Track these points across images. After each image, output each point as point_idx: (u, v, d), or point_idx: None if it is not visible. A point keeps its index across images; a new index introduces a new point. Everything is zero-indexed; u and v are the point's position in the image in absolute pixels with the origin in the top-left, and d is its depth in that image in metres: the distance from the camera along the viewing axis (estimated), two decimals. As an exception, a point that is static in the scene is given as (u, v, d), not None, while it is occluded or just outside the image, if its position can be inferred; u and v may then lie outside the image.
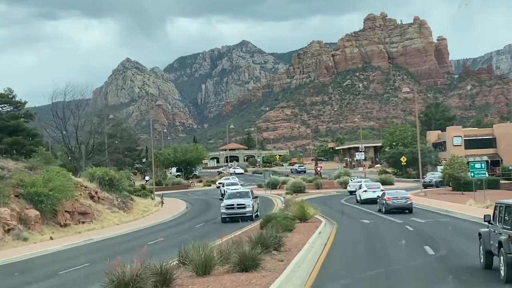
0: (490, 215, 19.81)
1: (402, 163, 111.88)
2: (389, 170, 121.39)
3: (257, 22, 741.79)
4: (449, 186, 79.53)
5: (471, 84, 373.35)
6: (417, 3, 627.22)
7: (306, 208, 42.62)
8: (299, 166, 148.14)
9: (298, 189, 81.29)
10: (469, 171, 72.35)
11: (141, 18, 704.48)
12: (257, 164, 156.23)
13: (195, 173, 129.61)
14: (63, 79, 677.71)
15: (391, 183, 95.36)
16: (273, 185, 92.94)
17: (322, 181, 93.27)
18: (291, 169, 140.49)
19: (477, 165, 59.87)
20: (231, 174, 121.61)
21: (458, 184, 71.81)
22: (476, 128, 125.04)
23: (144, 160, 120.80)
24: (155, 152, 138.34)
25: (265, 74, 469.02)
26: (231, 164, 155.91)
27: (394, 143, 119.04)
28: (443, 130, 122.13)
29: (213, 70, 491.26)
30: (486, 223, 19.88)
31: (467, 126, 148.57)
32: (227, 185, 67.57)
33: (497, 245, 18.00)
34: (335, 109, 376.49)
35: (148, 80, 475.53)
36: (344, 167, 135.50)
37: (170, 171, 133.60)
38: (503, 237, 17.43)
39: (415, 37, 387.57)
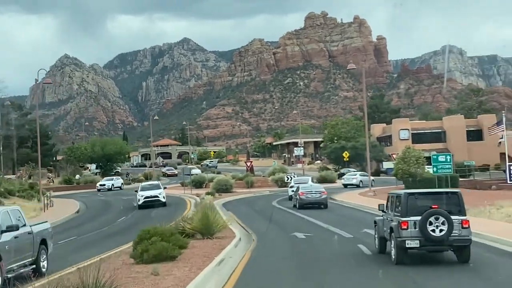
0: (384, 204, 20.92)
1: (345, 159, 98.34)
2: (330, 166, 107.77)
3: (199, 20, 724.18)
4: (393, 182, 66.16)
5: (409, 84, 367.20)
6: (357, 3, 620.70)
7: (214, 216, 27.83)
8: (210, 161, 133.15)
9: (223, 188, 66.39)
10: (427, 166, 59.20)
11: (81, 14, 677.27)
12: (190, 161, 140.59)
13: (117, 170, 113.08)
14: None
15: (332, 181, 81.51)
16: (198, 183, 77.89)
17: (254, 178, 78.59)
18: (201, 164, 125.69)
19: (441, 158, 46.27)
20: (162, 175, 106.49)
21: (413, 181, 58.23)
22: (424, 121, 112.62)
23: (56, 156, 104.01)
24: (69, 147, 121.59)
25: (207, 72, 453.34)
26: (163, 162, 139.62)
27: (336, 138, 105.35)
28: (389, 123, 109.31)
29: (154, 68, 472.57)
30: (381, 211, 21.09)
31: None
32: (143, 189, 53.37)
33: (389, 230, 19.12)
34: (276, 107, 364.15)
35: (87, 77, 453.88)
36: (282, 163, 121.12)
37: (89, 168, 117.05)
38: (394, 223, 18.67)
39: (355, 36, 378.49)
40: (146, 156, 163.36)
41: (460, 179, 67.08)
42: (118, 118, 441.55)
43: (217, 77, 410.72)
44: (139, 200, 51.10)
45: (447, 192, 19.66)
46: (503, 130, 70.01)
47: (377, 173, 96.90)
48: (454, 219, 17.85)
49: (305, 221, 36.32)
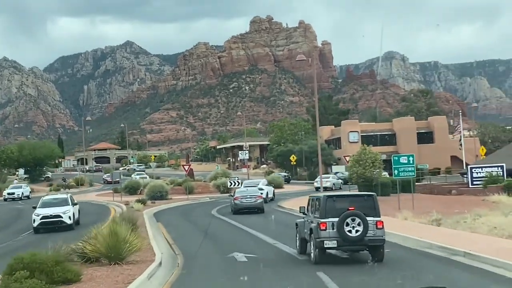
0: (304, 207, 21.30)
1: (292, 163, 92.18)
2: (277, 171, 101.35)
3: (143, 23, 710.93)
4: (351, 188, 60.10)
5: (354, 89, 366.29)
6: (302, 9, 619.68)
7: (126, 233, 20.76)
8: (137, 165, 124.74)
9: (158, 195, 58.98)
10: (384, 169, 53.34)
11: (21, 17, 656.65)
12: (128, 166, 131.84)
13: (47, 175, 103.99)
14: None
15: (280, 186, 74.93)
16: (132, 189, 70.26)
17: (194, 184, 71.33)
18: (127, 169, 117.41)
19: (403, 160, 40.17)
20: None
21: (369, 186, 52.19)
22: (374, 123, 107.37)
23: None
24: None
25: (150, 75, 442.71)
26: (98, 167, 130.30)
27: (283, 140, 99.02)
28: (337, 125, 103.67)
29: (96, 71, 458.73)
30: (302, 214, 21.50)
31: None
32: (44, 205, 37.54)
33: (309, 232, 19.56)
34: (221, 112, 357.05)
35: (27, 80, 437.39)
36: (226, 168, 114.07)
37: (17, 173, 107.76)
38: (313, 225, 19.15)
39: (300, 41, 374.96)
40: (82, 161, 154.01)
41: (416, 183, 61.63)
42: (59, 123, 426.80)
43: (161, 81, 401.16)
44: (34, 220, 35.74)
45: (363, 195, 20.44)
46: (460, 132, 65.14)
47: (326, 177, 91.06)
48: (369, 220, 18.52)
49: (247, 235, 29.52)
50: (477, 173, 52.20)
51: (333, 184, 65.79)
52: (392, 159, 40.42)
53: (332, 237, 18.48)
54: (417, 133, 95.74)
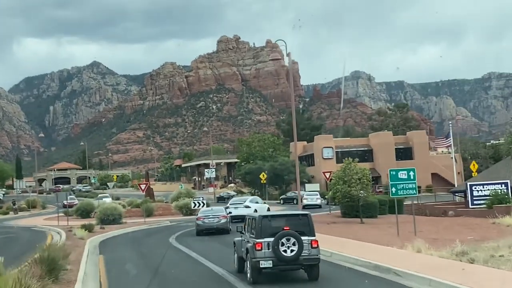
0: (242, 226, 20.75)
1: (262, 181, 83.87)
2: (246, 190, 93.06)
3: (110, 44, 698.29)
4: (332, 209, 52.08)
5: (321, 108, 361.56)
6: (269, 29, 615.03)
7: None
8: (84, 186, 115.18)
9: (109, 219, 50.08)
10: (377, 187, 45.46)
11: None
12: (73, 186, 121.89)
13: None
14: None
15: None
16: (85, 212, 61.18)
17: (154, 205, 62.51)
18: (72, 189, 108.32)
19: (402, 175, 32.19)
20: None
21: (354, 206, 44.31)
22: (349, 138, 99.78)
23: None
24: None
25: (117, 96, 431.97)
26: (58, 187, 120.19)
27: (252, 157, 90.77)
28: (309, 141, 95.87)
29: (62, 91, 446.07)
30: (239, 233, 20.90)
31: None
32: None
33: (245, 251, 19.23)
34: (188, 131, 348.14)
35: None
36: (192, 188, 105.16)
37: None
38: (249, 244, 18.73)
39: (267, 60, 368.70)
40: (42, 182, 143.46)
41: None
42: (24, 144, 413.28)
43: (128, 101, 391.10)
44: None
45: (298, 214, 19.65)
46: (450, 145, 57.80)
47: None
48: (304, 240, 18.21)
49: (212, 275, 21.13)
50: (477, 191, 44.54)
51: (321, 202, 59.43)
52: (389, 173, 32.44)
53: (268, 257, 18.16)
54: (395, 148, 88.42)
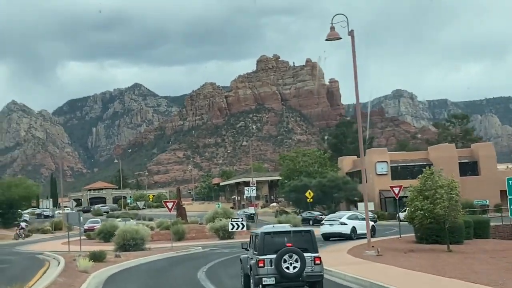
0: (247, 243, 20.31)
1: (308, 200, 73.63)
2: (289, 210, 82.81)
3: (150, 66, 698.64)
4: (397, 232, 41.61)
5: (363, 127, 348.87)
6: (308, 49, 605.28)
7: None
8: (43, 210, 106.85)
9: (130, 244, 40.52)
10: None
11: (31, 61, 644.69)
12: (123, 206, 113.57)
13: (25, 218, 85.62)
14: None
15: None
16: (108, 236, 51.87)
17: (186, 227, 52.83)
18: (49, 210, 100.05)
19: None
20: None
21: (434, 229, 33.84)
22: (405, 152, 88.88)
23: None
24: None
25: (158, 117, 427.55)
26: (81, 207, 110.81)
27: (296, 174, 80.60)
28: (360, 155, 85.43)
29: (104, 113, 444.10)
30: (244, 249, 20.47)
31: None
32: None
33: (249, 268, 18.84)
34: (228, 151, 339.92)
35: (35, 123, 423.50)
36: (231, 207, 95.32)
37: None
38: (252, 261, 18.47)
39: (308, 79, 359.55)
40: (78, 202, 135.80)
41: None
42: (67, 165, 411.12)
43: (168, 122, 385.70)
44: None
45: (300, 231, 19.01)
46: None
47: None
48: (306, 256, 17.79)
49: None
50: None
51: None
52: (506, 183, 22.21)
53: (271, 274, 17.60)
54: (459, 163, 77.19)
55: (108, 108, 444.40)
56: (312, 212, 69.67)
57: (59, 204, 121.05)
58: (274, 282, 17.59)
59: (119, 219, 68.43)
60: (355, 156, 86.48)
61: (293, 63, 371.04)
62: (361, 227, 40.51)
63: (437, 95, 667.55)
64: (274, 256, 17.48)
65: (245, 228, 48.18)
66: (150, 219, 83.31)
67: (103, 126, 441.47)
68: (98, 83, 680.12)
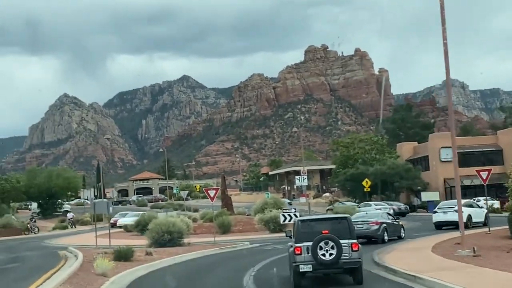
0: (291, 230, 19.84)
1: (365, 189, 66.44)
2: (344, 199, 75.65)
3: (199, 58, 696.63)
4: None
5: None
6: (357, 39, 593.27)
7: None
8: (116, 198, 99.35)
9: (164, 239, 34.34)
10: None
11: (81, 55, 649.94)
12: (163, 198, 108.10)
13: (65, 209, 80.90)
14: (0, 117, 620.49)
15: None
16: (146, 228, 45.96)
17: (232, 218, 46.49)
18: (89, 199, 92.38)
19: None
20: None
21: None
22: (471, 137, 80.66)
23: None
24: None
25: (206, 108, 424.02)
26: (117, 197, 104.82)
27: (351, 161, 73.38)
28: (420, 141, 77.52)
29: (153, 105, 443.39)
30: (289, 237, 20.12)
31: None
32: None
33: (289, 256, 19.03)
34: (276, 142, 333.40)
35: (87, 115, 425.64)
36: (281, 198, 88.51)
37: (29, 206, 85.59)
38: (290, 249, 18.51)
39: (357, 69, 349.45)
40: (123, 192, 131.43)
41: None
42: (118, 157, 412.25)
43: (216, 113, 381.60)
44: None
45: (337, 218, 19.07)
46: None
47: (410, 208, 64.97)
48: (343, 243, 17.45)
49: None
50: None
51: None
52: None
53: (307, 261, 17.44)
54: (534, 148, 68.67)
55: (157, 100, 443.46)
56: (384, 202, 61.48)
57: (104, 194, 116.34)
58: (311, 269, 17.45)
59: (161, 210, 62.72)
60: (416, 142, 78.59)
61: (342, 52, 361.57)
62: (477, 215, 39.07)
63: (489, 84, 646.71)
64: (310, 243, 17.32)
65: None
66: (195, 210, 77.71)
67: (152, 118, 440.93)
68: (147, 76, 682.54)
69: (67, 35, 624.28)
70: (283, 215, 41.39)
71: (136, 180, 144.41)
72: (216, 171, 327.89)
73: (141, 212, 55.46)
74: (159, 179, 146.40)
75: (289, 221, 41.38)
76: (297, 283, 17.73)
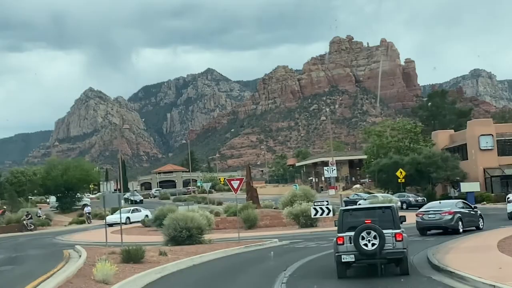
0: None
1: (399, 180, 61.78)
2: (376, 191, 70.97)
3: (223, 51, 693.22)
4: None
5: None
6: (382, 30, 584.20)
7: None
8: (132, 194, 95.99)
9: (182, 236, 30.29)
10: None
11: (107, 49, 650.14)
12: (196, 190, 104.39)
13: (85, 202, 77.48)
14: (27, 111, 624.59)
15: None
16: (162, 221, 42.04)
17: (258, 212, 42.34)
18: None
19: None
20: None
21: None
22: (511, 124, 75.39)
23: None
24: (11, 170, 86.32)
25: (231, 102, 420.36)
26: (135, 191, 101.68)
27: (383, 151, 68.67)
28: (456, 129, 72.56)
29: (178, 99, 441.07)
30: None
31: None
32: None
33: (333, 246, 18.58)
34: (302, 135, 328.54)
35: (112, 109, 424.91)
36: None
37: (48, 200, 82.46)
38: (334, 239, 17.91)
39: (382, 59, 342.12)
40: (146, 185, 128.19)
41: None
42: (143, 150, 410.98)
43: (241, 106, 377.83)
44: None
45: (380, 207, 18.47)
46: None
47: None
48: (386, 233, 17.05)
49: None
50: None
51: None
52: None
53: (350, 251, 17.12)
54: None
55: (182, 93, 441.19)
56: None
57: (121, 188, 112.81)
58: (353, 259, 17.09)
59: (183, 203, 58.86)
60: (452, 130, 73.55)
61: (367, 43, 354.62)
62: None
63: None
64: (353, 233, 16.94)
65: (331, 214, 37.28)
66: (219, 203, 73.76)
67: (177, 112, 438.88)
68: (171, 69, 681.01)
69: (92, 30, 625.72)
70: (314, 208, 37.25)
71: (159, 173, 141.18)
72: (241, 164, 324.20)
73: (159, 207, 51.60)
74: (182, 171, 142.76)
75: (321, 214, 37.26)
76: (341, 274, 17.24)
